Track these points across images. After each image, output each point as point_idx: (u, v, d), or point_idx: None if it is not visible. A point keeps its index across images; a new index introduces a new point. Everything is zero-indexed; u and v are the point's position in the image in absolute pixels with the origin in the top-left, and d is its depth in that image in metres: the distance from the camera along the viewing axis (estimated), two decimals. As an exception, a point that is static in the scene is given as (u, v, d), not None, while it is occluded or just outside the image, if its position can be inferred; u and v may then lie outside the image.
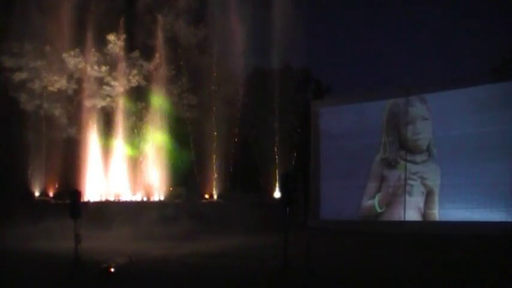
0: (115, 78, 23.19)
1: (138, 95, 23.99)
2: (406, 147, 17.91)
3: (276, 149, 23.86)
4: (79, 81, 23.49)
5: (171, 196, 23.91)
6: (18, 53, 22.45)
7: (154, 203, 23.39)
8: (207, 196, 25.17)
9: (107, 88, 23.31)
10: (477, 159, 16.10)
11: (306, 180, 20.97)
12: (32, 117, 23.03)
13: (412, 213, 17.52)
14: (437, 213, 17.08)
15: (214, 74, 25.58)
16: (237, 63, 25.13)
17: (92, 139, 23.74)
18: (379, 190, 18.54)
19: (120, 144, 23.99)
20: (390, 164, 18.35)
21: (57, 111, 23.43)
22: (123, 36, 22.87)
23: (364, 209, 18.88)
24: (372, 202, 18.66)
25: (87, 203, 22.11)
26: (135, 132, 24.21)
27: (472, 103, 16.47)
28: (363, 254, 13.45)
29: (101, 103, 23.60)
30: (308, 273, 9.59)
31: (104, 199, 23.45)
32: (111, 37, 22.72)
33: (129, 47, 23.24)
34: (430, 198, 17.20)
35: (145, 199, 23.82)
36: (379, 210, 18.48)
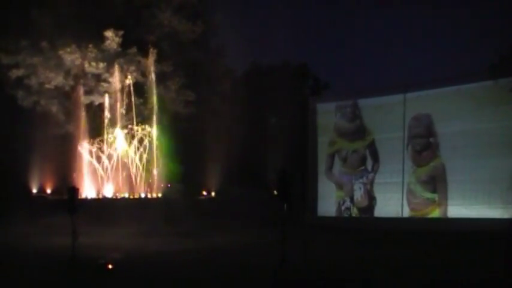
0: (112, 75, 23.13)
1: (136, 91, 23.93)
2: (403, 144, 17.91)
3: (273, 145, 23.85)
4: (76, 78, 23.41)
5: (169, 192, 23.91)
6: (15, 49, 22.35)
7: (152, 199, 23.39)
8: (205, 192, 25.21)
9: (105, 84, 23.25)
10: (475, 156, 16.15)
11: (304, 176, 21.00)
12: (29, 114, 22.96)
13: (409, 209, 17.55)
14: (435, 210, 17.10)
15: (212, 70, 25.57)
16: (234, 59, 25.13)
17: (89, 135, 23.70)
18: (376, 186, 18.55)
19: (117, 140, 23.95)
20: (386, 159, 18.37)
21: (54, 108, 23.38)
22: (121, 32, 22.75)
23: (361, 205, 18.89)
24: (369, 198, 18.68)
25: (85, 200, 22.14)
26: (133, 129, 24.14)
27: (470, 100, 16.50)
28: (359, 250, 13.47)
29: (98, 99, 23.55)
30: (305, 269, 9.62)
31: (101, 196, 23.45)
32: (108, 33, 22.62)
33: (127, 43, 23.15)
34: (428, 195, 17.22)
35: (143, 196, 23.79)
36: (376, 206, 18.49)
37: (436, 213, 16.98)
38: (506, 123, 15.69)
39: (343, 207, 19.06)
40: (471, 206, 16.16)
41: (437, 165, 16.95)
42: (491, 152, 15.83)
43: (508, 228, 14.41)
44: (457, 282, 9.24)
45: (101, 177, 23.84)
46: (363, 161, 18.72)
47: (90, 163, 23.75)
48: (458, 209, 16.42)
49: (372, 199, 18.41)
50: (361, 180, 18.70)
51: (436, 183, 16.93)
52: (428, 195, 17.05)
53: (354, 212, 18.88)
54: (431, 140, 17.16)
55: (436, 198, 16.85)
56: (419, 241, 14.35)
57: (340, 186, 19.23)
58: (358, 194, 18.77)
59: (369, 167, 18.58)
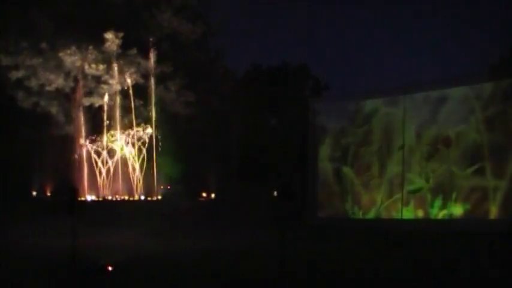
0: (112, 76, 23.14)
1: (136, 93, 23.94)
2: (402, 145, 17.90)
3: (273, 146, 23.84)
4: (76, 79, 23.42)
5: (169, 194, 23.92)
6: (15, 50, 22.37)
7: (152, 201, 23.38)
8: (204, 193, 25.20)
9: (105, 86, 23.26)
10: (473, 157, 16.13)
11: (305, 177, 20.99)
12: (29, 115, 22.97)
13: (408, 210, 17.53)
14: (434, 211, 17.07)
15: (212, 71, 25.59)
16: (235, 60, 25.14)
17: (89, 137, 23.71)
18: (376, 187, 18.54)
19: (117, 142, 23.96)
20: (387, 162, 18.35)
21: (54, 109, 23.40)
22: (121, 34, 22.76)
23: (361, 206, 18.87)
24: (369, 199, 18.66)
25: (85, 201, 22.14)
26: (133, 130, 24.15)
27: (469, 101, 16.50)
28: (358, 252, 13.46)
29: (98, 101, 23.56)
30: (305, 268, 9.61)
31: (101, 198, 23.45)
32: (108, 35, 22.63)
33: (127, 44, 23.15)
34: (427, 196, 17.20)
35: (142, 197, 23.79)
36: (375, 208, 18.45)
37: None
38: (504, 124, 15.69)
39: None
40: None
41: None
42: (491, 153, 15.82)
43: (507, 228, 14.45)
44: (457, 282, 9.25)
45: (101, 179, 23.84)
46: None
47: (90, 165, 23.75)
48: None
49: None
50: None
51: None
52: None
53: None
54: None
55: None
56: (416, 242, 14.32)
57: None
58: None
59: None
